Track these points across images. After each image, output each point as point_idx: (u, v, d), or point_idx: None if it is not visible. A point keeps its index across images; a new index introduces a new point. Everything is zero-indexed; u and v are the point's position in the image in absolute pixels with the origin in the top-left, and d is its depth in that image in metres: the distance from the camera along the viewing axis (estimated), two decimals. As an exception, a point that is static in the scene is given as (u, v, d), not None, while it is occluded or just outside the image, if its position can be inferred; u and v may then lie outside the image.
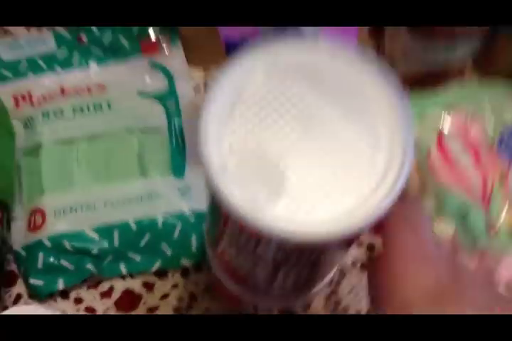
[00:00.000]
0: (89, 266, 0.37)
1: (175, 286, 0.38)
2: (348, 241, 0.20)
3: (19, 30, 0.45)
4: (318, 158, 0.18)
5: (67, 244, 0.36)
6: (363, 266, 0.39)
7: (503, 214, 0.38)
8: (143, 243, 0.37)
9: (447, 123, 0.39)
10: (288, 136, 0.18)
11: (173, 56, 0.42)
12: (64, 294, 0.38)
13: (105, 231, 0.37)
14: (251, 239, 0.20)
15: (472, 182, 0.38)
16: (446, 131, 0.39)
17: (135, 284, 0.38)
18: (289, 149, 0.18)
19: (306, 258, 0.21)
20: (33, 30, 0.44)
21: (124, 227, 0.37)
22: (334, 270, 0.28)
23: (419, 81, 0.44)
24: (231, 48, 0.33)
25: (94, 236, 0.37)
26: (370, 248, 0.39)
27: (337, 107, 0.18)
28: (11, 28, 0.45)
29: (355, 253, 0.39)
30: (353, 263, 0.39)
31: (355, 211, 0.17)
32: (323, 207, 0.17)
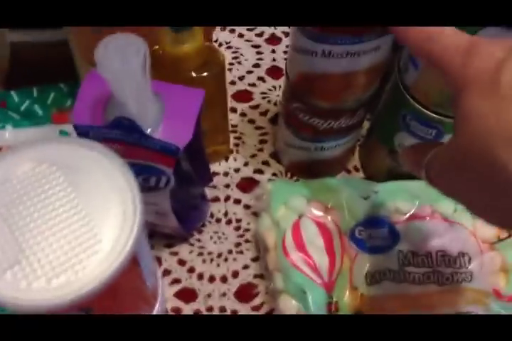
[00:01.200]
0: None
1: None
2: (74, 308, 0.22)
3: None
4: (52, 236, 0.22)
5: None
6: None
7: (345, 296, 0.42)
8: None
9: (307, 210, 0.44)
10: (32, 215, 0.22)
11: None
12: None
13: None
14: None
15: (318, 264, 0.43)
16: (304, 217, 0.44)
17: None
18: (29, 226, 0.22)
19: None
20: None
21: None
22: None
23: (300, 170, 0.50)
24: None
25: None
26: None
27: (78, 194, 0.23)
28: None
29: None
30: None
31: (70, 284, 0.21)
32: (45, 278, 0.21)
